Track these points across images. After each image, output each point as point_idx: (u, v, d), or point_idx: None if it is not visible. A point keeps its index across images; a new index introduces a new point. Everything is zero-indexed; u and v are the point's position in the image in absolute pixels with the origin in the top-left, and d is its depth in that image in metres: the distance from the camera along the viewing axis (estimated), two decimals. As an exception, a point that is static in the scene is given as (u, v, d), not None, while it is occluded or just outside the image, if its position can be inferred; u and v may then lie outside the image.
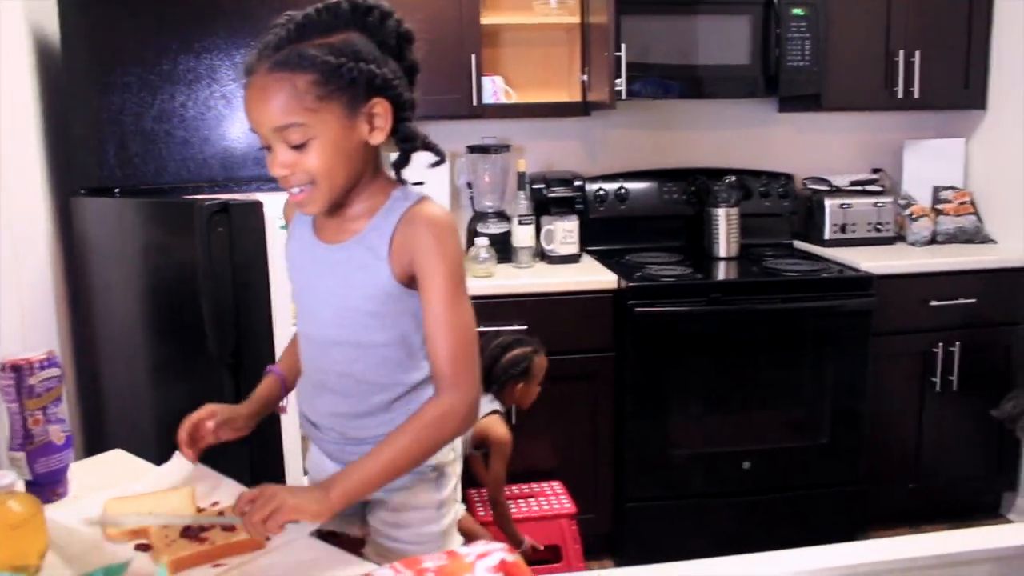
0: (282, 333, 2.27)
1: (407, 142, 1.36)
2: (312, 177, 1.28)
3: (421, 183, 1.43)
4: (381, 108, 1.29)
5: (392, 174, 1.40)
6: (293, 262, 1.47)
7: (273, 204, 2.16)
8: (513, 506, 2.51)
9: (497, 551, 0.85)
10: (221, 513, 1.34)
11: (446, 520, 1.49)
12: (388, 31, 1.30)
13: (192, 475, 1.51)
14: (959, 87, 3.40)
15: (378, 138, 1.31)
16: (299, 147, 1.26)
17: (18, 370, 1.38)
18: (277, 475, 2.23)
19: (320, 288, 1.41)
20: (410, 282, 1.35)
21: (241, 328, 2.26)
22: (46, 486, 1.42)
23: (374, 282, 1.34)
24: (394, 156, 1.40)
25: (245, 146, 2.55)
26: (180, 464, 1.56)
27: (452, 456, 1.49)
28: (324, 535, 1.48)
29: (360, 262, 1.35)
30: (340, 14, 1.28)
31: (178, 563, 1.19)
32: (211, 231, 2.19)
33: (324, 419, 1.46)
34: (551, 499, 2.55)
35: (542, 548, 2.43)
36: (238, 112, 2.53)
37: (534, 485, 2.64)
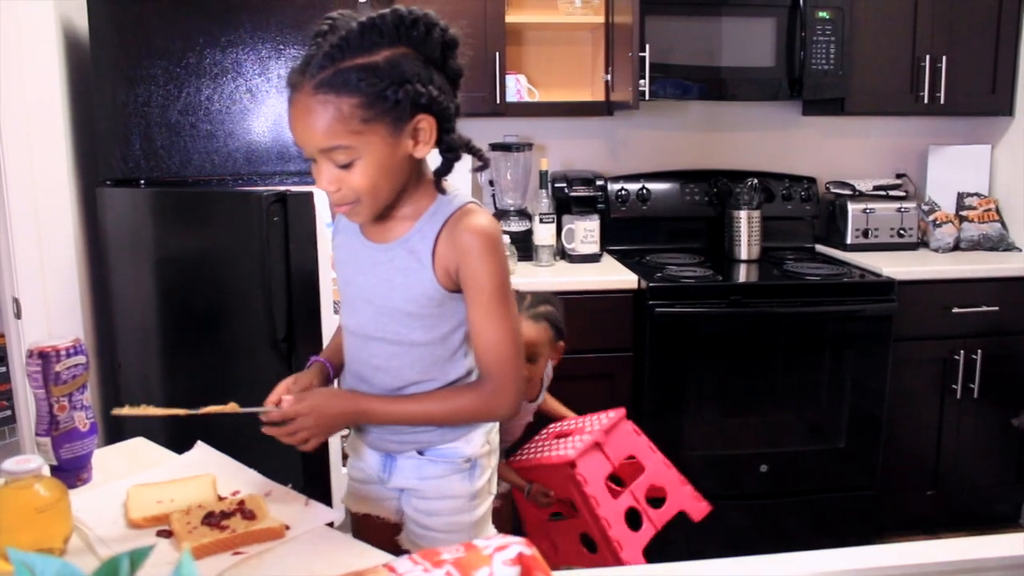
0: (328, 318, 2.40)
1: (451, 151, 1.36)
2: (357, 195, 1.30)
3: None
4: (426, 124, 1.30)
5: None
6: (339, 256, 1.50)
7: (322, 196, 2.25)
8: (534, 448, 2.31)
9: (515, 544, 0.86)
10: (240, 503, 1.35)
11: (478, 511, 1.52)
12: (433, 43, 1.28)
13: (213, 464, 1.53)
14: (986, 93, 3.38)
15: (422, 152, 1.32)
16: (344, 166, 1.28)
17: (45, 357, 1.40)
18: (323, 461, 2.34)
19: (362, 285, 1.43)
20: (455, 287, 1.38)
21: (293, 313, 2.38)
22: (70, 471, 1.44)
23: (415, 286, 1.37)
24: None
25: (269, 140, 2.57)
26: (201, 453, 1.58)
27: (487, 449, 1.51)
28: (359, 517, 1.57)
29: (402, 264, 1.38)
30: (384, 31, 1.25)
31: (199, 550, 1.20)
32: (268, 220, 2.28)
33: None
34: (574, 442, 2.16)
35: (551, 494, 2.21)
36: (263, 107, 2.55)
37: (590, 419, 2.33)
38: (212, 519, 1.29)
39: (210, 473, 1.47)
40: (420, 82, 1.27)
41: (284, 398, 1.40)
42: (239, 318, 2.46)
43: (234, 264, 2.44)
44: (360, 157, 1.27)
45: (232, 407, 1.39)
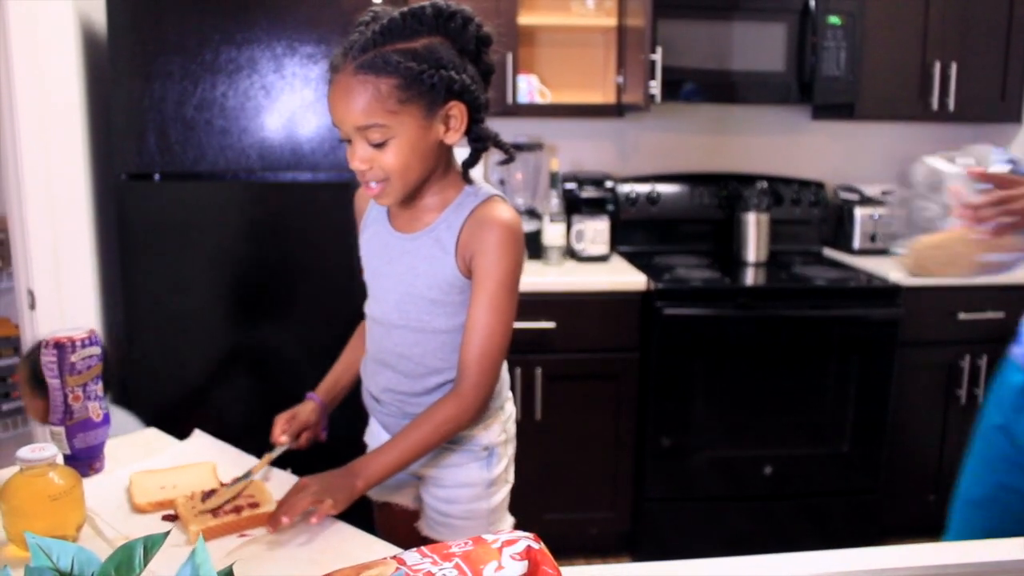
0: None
1: (479, 142, 1.42)
2: (388, 174, 1.35)
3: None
4: (457, 111, 1.35)
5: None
6: (368, 249, 1.55)
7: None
8: None
9: (523, 538, 0.87)
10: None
11: (495, 499, 1.55)
12: (468, 36, 1.36)
13: (213, 451, 1.56)
14: (995, 100, 3.38)
15: (453, 138, 1.38)
16: (378, 145, 1.32)
17: (61, 347, 1.42)
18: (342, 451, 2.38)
19: (388, 274, 1.48)
20: (471, 275, 1.42)
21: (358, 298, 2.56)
22: (83, 461, 1.46)
23: (438, 273, 1.41)
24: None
25: (282, 137, 2.59)
26: (201, 440, 1.61)
27: (503, 437, 1.55)
28: (380, 504, 1.62)
29: (427, 253, 1.42)
30: (424, 20, 1.32)
31: (205, 533, 1.22)
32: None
33: (383, 394, 1.55)
34: None
35: None
36: (277, 103, 2.57)
37: None
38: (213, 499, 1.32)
39: (210, 460, 1.50)
40: (455, 69, 1.33)
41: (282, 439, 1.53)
42: (312, 300, 2.64)
43: (307, 249, 2.63)
44: (394, 137, 1.32)
45: (265, 458, 1.48)
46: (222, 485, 1.40)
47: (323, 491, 1.29)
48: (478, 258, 1.38)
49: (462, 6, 1.36)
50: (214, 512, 1.30)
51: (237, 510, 1.30)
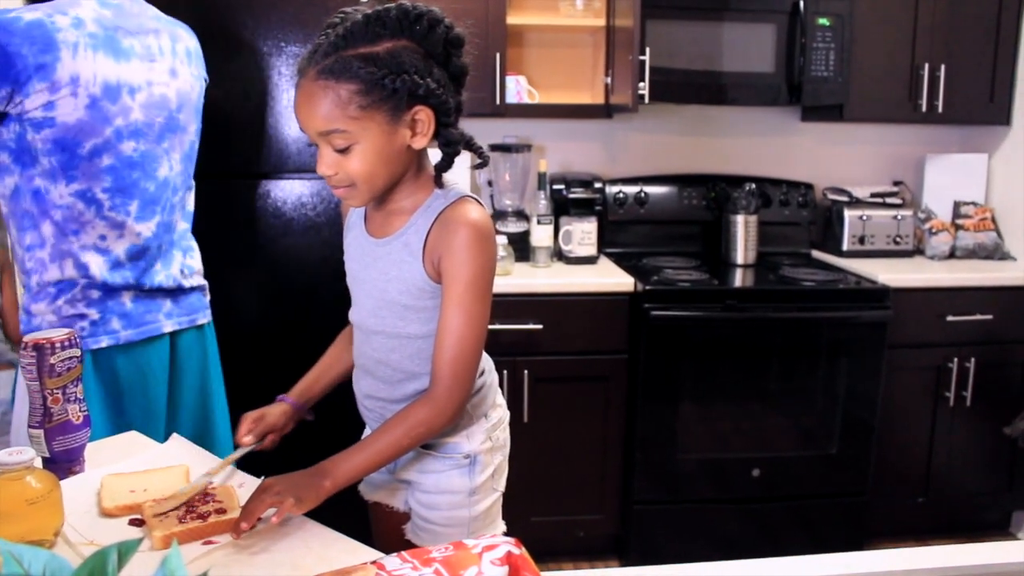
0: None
1: (449, 146, 1.39)
2: (353, 180, 1.34)
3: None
4: (424, 115, 1.33)
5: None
6: (348, 253, 1.53)
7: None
8: None
9: (504, 543, 0.86)
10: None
11: (479, 507, 1.53)
12: (435, 39, 1.32)
13: (187, 455, 1.54)
14: (984, 102, 3.39)
15: (420, 143, 1.35)
16: (343, 150, 1.31)
17: (40, 349, 1.40)
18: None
19: (364, 279, 1.47)
20: (440, 279, 1.39)
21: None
22: (63, 464, 1.44)
23: (408, 278, 1.40)
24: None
25: (267, 138, 2.57)
26: (176, 445, 1.59)
27: (488, 445, 1.53)
28: (371, 505, 1.62)
29: (398, 257, 1.41)
30: (388, 23, 1.30)
31: (168, 539, 1.20)
32: None
33: (366, 400, 1.54)
34: None
35: None
36: (261, 104, 2.55)
37: None
38: (182, 508, 1.30)
39: (184, 464, 1.48)
40: (418, 74, 1.30)
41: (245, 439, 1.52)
42: (307, 305, 2.69)
43: (293, 250, 2.68)
44: (357, 142, 1.30)
45: (227, 459, 1.48)
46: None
47: (287, 491, 1.27)
48: (446, 260, 1.36)
49: (431, 8, 1.33)
50: (170, 513, 1.28)
51: (203, 516, 1.28)
